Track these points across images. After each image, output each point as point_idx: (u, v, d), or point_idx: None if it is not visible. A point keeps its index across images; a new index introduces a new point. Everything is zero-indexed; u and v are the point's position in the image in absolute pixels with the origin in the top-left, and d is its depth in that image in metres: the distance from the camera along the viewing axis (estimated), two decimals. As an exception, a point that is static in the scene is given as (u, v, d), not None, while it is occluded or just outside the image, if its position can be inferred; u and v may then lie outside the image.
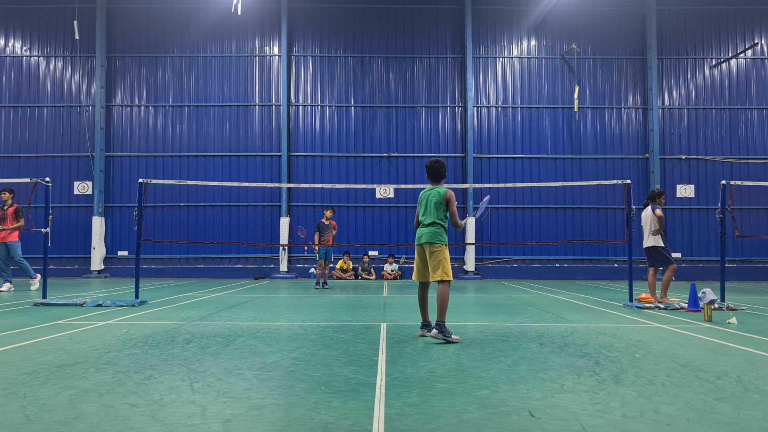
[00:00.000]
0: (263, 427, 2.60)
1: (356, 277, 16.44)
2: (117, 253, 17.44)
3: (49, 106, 17.75)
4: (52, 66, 17.92)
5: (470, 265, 17.02)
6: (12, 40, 17.95)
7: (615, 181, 9.35)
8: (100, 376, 3.58)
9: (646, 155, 17.63)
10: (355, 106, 17.84)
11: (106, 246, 17.37)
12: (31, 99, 17.79)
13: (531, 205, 17.49)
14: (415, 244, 5.51)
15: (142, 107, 17.84)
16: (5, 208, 11.17)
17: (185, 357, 4.26)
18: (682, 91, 17.90)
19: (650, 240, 8.74)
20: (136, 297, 8.40)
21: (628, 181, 8.70)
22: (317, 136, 17.77)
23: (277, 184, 10.60)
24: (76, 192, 17.53)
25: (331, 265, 14.35)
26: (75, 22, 16.51)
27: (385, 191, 17.42)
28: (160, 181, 10.06)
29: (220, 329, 5.81)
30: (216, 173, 17.54)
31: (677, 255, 16.78)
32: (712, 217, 17.02)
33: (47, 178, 8.98)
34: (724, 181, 8.63)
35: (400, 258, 17.05)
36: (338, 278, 16.14)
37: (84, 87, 17.84)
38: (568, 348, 4.78)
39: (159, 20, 18.00)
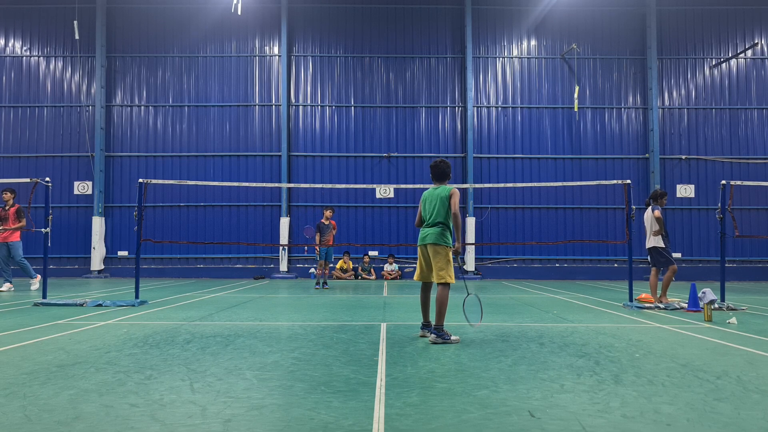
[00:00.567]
0: (263, 427, 2.60)
1: (356, 277, 16.43)
2: (117, 253, 17.44)
3: (49, 106, 17.74)
4: (52, 66, 17.91)
5: (470, 265, 17.01)
6: (12, 40, 17.94)
7: (615, 181, 9.35)
8: (100, 376, 3.58)
9: (646, 155, 17.63)
10: (355, 106, 17.83)
11: (106, 246, 17.37)
12: (31, 99, 17.78)
13: (531, 205, 17.48)
14: (419, 244, 5.41)
15: (142, 107, 17.84)
16: (7, 208, 11.17)
17: (185, 357, 4.26)
18: (682, 91, 17.89)
19: (651, 240, 8.75)
20: (136, 297, 8.41)
21: (628, 181, 8.71)
22: (317, 136, 17.76)
23: (277, 184, 10.59)
24: (76, 192, 17.53)
25: (331, 265, 14.35)
26: (75, 22, 16.51)
27: (385, 191, 17.42)
28: (160, 181, 10.06)
29: (220, 329, 5.81)
30: (216, 173, 17.53)
31: (677, 255, 16.77)
32: (712, 217, 17.01)
33: (47, 178, 8.98)
34: (724, 181, 8.63)
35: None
36: (338, 278, 16.13)
37: (84, 87, 17.83)
38: (568, 348, 4.77)
39: (159, 20, 17.99)
